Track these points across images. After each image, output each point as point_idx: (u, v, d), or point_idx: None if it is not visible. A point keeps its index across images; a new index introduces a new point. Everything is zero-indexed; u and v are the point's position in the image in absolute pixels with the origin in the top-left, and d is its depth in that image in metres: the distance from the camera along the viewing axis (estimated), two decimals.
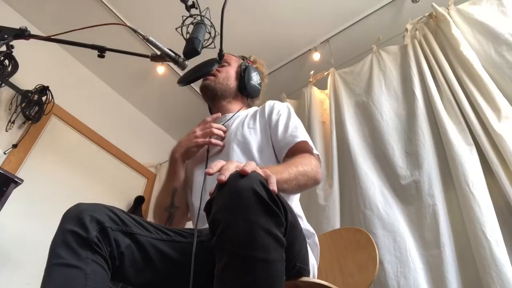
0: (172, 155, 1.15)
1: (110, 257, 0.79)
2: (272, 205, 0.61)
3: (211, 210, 0.64)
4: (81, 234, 0.76)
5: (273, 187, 0.64)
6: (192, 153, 1.14)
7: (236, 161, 0.71)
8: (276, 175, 0.73)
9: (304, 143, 1.03)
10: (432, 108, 1.70)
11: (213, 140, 1.11)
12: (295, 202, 1.06)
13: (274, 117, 1.12)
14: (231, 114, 1.22)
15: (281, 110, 1.15)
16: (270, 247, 0.59)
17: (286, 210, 0.66)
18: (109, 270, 0.79)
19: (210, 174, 0.69)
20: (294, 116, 1.14)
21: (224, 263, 0.59)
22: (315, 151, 1.04)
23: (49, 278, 0.73)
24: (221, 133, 1.14)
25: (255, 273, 0.57)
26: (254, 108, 1.25)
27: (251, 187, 0.60)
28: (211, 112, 1.31)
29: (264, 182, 0.64)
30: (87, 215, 0.79)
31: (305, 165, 0.93)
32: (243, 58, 1.37)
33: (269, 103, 1.19)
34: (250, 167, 0.66)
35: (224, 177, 0.64)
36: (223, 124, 1.18)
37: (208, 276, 0.69)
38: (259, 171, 0.68)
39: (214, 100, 1.26)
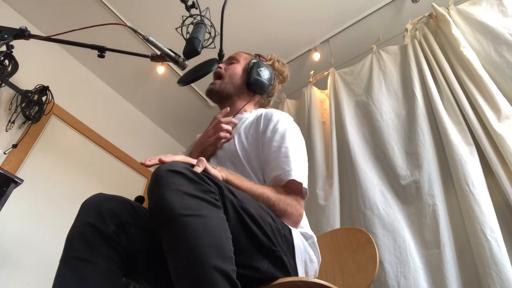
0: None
1: (126, 253, 0.80)
2: (190, 175, 0.66)
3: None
4: (99, 228, 0.77)
5: (196, 168, 0.70)
6: (208, 152, 1.11)
7: (167, 155, 0.76)
8: (235, 179, 0.81)
9: (291, 182, 0.92)
10: (432, 108, 1.70)
11: (222, 134, 1.09)
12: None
13: (268, 134, 1.03)
14: (238, 114, 1.19)
15: (278, 125, 1.04)
16: (200, 206, 0.63)
17: (217, 183, 0.70)
18: (123, 266, 0.79)
19: (146, 165, 0.74)
20: (289, 136, 1.02)
21: (166, 237, 0.63)
22: (304, 185, 0.93)
23: (64, 271, 0.73)
24: (229, 127, 1.11)
25: (192, 226, 0.61)
26: (257, 112, 1.19)
27: (165, 168, 0.67)
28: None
29: (180, 163, 0.70)
30: (106, 208, 0.80)
31: (274, 196, 0.88)
32: (258, 56, 1.32)
33: (266, 115, 1.09)
34: (171, 158, 0.73)
35: (149, 161, 0.73)
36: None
37: None
38: (190, 160, 0.75)
39: (221, 101, 1.25)
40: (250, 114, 1.18)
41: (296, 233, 0.90)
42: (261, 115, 1.10)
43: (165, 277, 0.84)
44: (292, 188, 0.93)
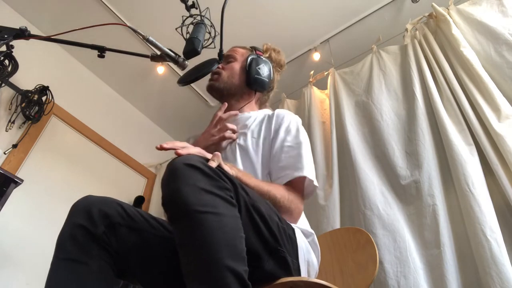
0: None
1: (117, 253, 0.80)
2: (207, 170, 0.66)
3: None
4: (89, 229, 0.77)
5: (211, 163, 0.70)
6: (210, 152, 1.13)
7: (183, 144, 0.76)
8: (243, 176, 0.81)
9: (297, 180, 0.96)
10: (432, 108, 1.70)
11: (227, 134, 1.10)
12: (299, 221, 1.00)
13: (281, 134, 1.06)
14: (240, 115, 1.19)
15: (290, 126, 1.09)
16: (216, 203, 0.63)
17: (232, 180, 0.70)
18: (115, 266, 0.79)
19: (164, 149, 0.75)
20: (300, 137, 1.07)
21: (180, 232, 0.63)
22: (315, 183, 0.98)
23: (55, 273, 0.73)
24: (234, 127, 1.12)
25: (207, 223, 0.60)
26: (264, 112, 1.20)
27: (182, 162, 0.66)
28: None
29: (196, 156, 0.69)
30: (96, 209, 0.80)
31: (279, 194, 0.90)
32: (253, 48, 1.31)
33: (278, 114, 1.12)
34: (187, 150, 0.73)
35: (166, 145, 0.73)
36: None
37: None
38: (205, 154, 0.75)
39: (222, 99, 1.25)
40: (257, 113, 1.19)
41: (299, 232, 0.90)
42: (273, 114, 1.14)
43: (159, 276, 0.84)
44: (294, 185, 0.96)
